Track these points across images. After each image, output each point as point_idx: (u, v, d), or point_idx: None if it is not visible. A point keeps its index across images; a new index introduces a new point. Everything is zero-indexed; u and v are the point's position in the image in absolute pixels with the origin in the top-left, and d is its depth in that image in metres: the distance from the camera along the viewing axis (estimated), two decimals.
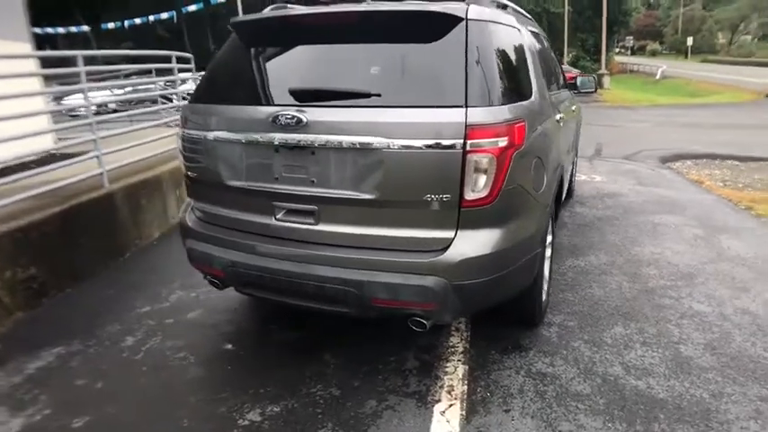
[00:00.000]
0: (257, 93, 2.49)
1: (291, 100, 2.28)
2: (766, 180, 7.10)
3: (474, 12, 2.27)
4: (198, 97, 2.67)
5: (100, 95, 9.37)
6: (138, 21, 28.12)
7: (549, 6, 37.05)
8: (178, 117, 3.61)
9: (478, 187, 2.10)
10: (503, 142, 2.08)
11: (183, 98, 6.64)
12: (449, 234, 2.18)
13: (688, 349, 2.83)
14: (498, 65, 2.27)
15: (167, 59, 6.19)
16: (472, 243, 2.17)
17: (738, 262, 3.97)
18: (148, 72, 7.09)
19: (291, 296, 2.44)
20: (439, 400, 2.45)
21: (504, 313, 2.93)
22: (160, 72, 6.84)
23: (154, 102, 7.93)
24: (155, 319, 3.34)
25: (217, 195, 2.59)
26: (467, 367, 2.70)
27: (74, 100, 9.32)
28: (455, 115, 2.06)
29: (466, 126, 2.04)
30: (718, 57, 51.23)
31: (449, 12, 2.21)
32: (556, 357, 2.79)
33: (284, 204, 2.37)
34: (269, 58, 2.58)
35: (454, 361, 2.76)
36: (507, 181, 2.14)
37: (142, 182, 4.79)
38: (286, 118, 2.21)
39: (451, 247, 2.16)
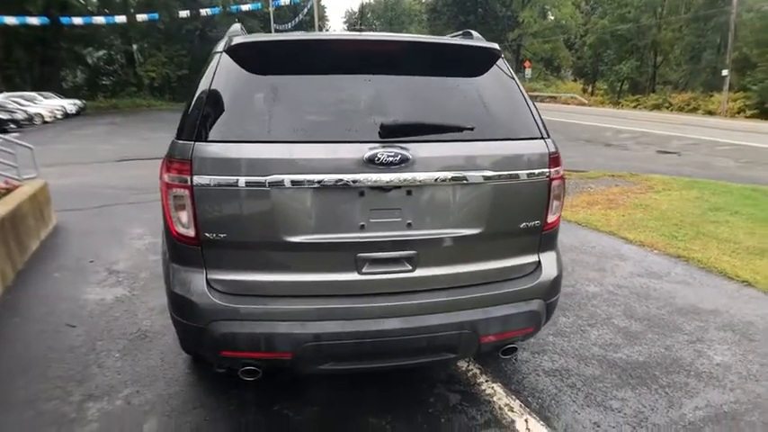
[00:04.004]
0: (329, 128, 2.14)
1: (373, 136, 2.06)
2: None
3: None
4: (215, 134, 2.05)
5: None
6: None
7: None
8: None
9: (554, 211, 2.33)
10: (562, 170, 2.37)
11: None
12: (534, 258, 2.36)
13: (619, 321, 3.60)
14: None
15: None
16: (551, 263, 2.40)
17: (577, 251, 5.12)
18: None
19: (392, 357, 2.20)
20: (513, 421, 2.56)
21: None
22: None
23: None
24: None
25: (265, 258, 2.11)
26: (499, 384, 2.86)
27: None
28: (540, 146, 2.27)
29: (549, 155, 2.27)
30: None
31: (489, 46, 2.38)
32: (548, 353, 3.18)
33: (372, 255, 2.11)
34: (315, 87, 2.22)
35: (484, 383, 2.88)
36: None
37: None
38: (388, 156, 2.01)
39: (542, 269, 2.34)
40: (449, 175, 2.10)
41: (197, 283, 2.12)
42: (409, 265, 2.15)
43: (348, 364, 2.19)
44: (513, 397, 2.74)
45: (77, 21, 26.89)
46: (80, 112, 28.46)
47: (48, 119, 24.18)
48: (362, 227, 2.09)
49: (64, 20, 26.71)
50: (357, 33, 2.42)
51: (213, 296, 2.09)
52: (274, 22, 33.05)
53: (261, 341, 2.07)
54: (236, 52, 2.18)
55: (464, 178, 2.13)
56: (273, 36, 2.34)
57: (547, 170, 2.26)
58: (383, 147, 2.04)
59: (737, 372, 2.99)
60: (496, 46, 2.39)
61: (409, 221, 2.12)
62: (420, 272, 2.16)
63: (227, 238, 2.07)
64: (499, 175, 2.17)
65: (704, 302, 3.92)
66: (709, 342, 3.33)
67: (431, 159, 2.09)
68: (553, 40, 47.39)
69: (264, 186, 2.00)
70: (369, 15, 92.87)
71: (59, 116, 25.20)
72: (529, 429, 2.49)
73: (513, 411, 2.62)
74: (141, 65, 36.26)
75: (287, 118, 2.12)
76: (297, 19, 33.63)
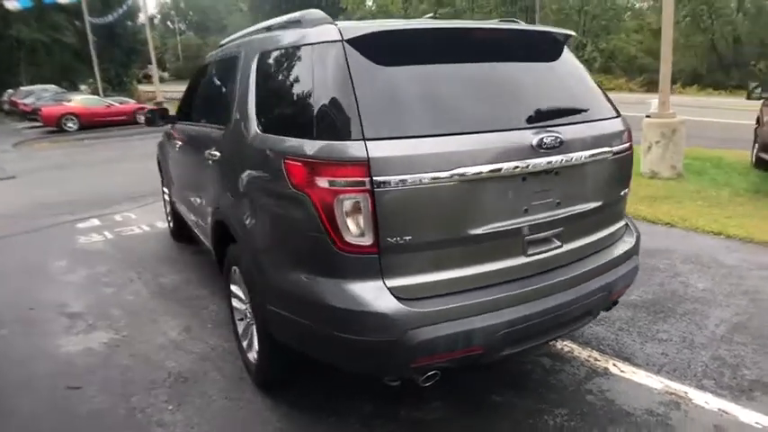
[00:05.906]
0: (489, 116, 2.16)
1: (521, 122, 2.19)
2: None
3: None
4: (384, 131, 1.97)
5: None
6: None
7: (61, 36, 33.68)
8: None
9: (631, 179, 2.72)
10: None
11: None
12: (624, 221, 2.76)
13: None
14: None
15: None
16: (632, 224, 2.83)
17: None
18: None
19: (562, 328, 2.40)
20: (605, 367, 2.92)
21: None
22: None
23: None
24: None
25: (449, 254, 2.08)
26: (569, 342, 3.21)
27: None
28: (623, 123, 2.63)
29: (628, 130, 2.65)
30: None
31: (569, 33, 2.64)
32: None
33: (535, 236, 2.23)
34: (459, 76, 2.24)
35: (558, 344, 3.19)
36: None
37: None
38: (551, 140, 2.14)
39: (632, 229, 2.73)
40: (588, 153, 2.32)
41: (379, 293, 2.00)
42: (558, 241, 2.33)
43: (525, 344, 2.30)
44: (589, 349, 3.11)
45: None
46: None
47: None
48: (526, 211, 2.21)
49: None
50: (482, 22, 2.51)
51: (405, 304, 2.00)
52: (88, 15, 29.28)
53: (459, 340, 2.04)
54: (364, 43, 2.09)
55: (596, 155, 2.37)
56: (391, 24, 2.24)
57: (630, 143, 2.63)
58: (540, 132, 2.17)
59: (720, 292, 3.76)
60: (571, 32, 2.66)
61: (558, 201, 2.29)
62: (567, 246, 2.35)
63: (412, 240, 2.01)
64: (613, 151, 2.47)
65: (656, 244, 4.73)
66: (685, 275, 4.08)
67: (574, 141, 2.28)
68: None
69: (450, 180, 2.00)
70: (182, 5, 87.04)
71: None
72: (622, 371, 2.88)
73: (597, 360, 2.99)
74: None
75: (447, 109, 2.13)
76: (120, 10, 30.23)
